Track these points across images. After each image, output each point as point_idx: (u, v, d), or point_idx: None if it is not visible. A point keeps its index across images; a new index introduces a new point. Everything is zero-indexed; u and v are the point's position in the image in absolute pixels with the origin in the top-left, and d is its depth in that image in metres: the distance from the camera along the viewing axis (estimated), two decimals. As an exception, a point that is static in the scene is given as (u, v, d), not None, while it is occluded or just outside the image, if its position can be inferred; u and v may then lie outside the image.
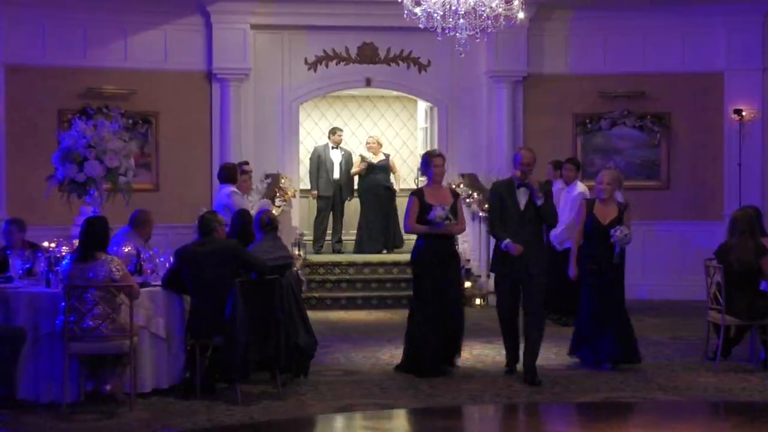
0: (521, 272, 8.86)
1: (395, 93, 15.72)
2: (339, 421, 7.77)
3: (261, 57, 14.20)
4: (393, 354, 9.79)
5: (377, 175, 15.16)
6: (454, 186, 12.17)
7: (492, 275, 10.44)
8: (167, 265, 8.55)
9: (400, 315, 11.87)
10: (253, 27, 14.05)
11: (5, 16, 13.22)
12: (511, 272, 8.93)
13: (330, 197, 15.17)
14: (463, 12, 10.08)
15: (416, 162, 15.95)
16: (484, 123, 14.51)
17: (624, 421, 8.00)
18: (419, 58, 14.51)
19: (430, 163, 9.30)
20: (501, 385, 8.72)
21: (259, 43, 14.21)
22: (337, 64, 14.49)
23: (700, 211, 14.36)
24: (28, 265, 8.58)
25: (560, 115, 14.45)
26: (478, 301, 13.41)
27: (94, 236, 7.98)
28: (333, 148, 15.26)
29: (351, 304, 13.40)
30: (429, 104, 15.10)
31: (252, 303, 8.08)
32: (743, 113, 14.02)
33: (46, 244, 8.79)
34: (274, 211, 12.27)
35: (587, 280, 9.32)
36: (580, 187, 11.86)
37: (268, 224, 8.90)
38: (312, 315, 9.57)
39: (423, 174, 9.78)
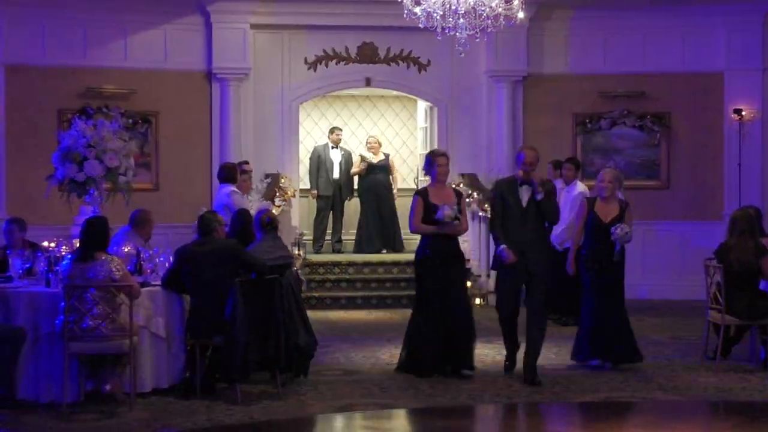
0: (522, 271, 8.84)
1: (395, 93, 15.70)
2: (339, 421, 7.77)
3: (261, 57, 14.20)
4: (393, 354, 9.77)
5: (377, 174, 15.15)
6: (455, 186, 12.15)
7: (492, 275, 10.43)
8: (167, 264, 8.54)
9: (400, 315, 11.90)
10: (253, 27, 14.05)
11: (5, 16, 13.22)
12: (512, 270, 8.88)
13: (330, 197, 15.17)
14: (462, 12, 10.08)
15: (416, 162, 15.98)
16: (484, 123, 14.50)
17: (624, 421, 7.99)
18: (419, 57, 14.51)
19: (433, 162, 9.25)
20: (501, 385, 8.71)
21: (259, 43, 14.20)
22: (336, 64, 14.49)
23: (700, 211, 14.35)
24: (28, 265, 8.58)
25: (560, 114, 14.44)
26: (478, 301, 13.39)
27: (94, 236, 7.98)
28: (333, 147, 15.26)
29: (351, 303, 13.39)
30: (429, 104, 15.08)
31: (252, 303, 8.08)
32: (743, 113, 14.01)
33: (46, 243, 8.79)
34: (273, 211, 12.26)
35: (587, 279, 9.32)
36: (580, 186, 11.85)
37: (268, 224, 8.90)
38: (312, 315, 9.56)
39: (426, 173, 9.71)
